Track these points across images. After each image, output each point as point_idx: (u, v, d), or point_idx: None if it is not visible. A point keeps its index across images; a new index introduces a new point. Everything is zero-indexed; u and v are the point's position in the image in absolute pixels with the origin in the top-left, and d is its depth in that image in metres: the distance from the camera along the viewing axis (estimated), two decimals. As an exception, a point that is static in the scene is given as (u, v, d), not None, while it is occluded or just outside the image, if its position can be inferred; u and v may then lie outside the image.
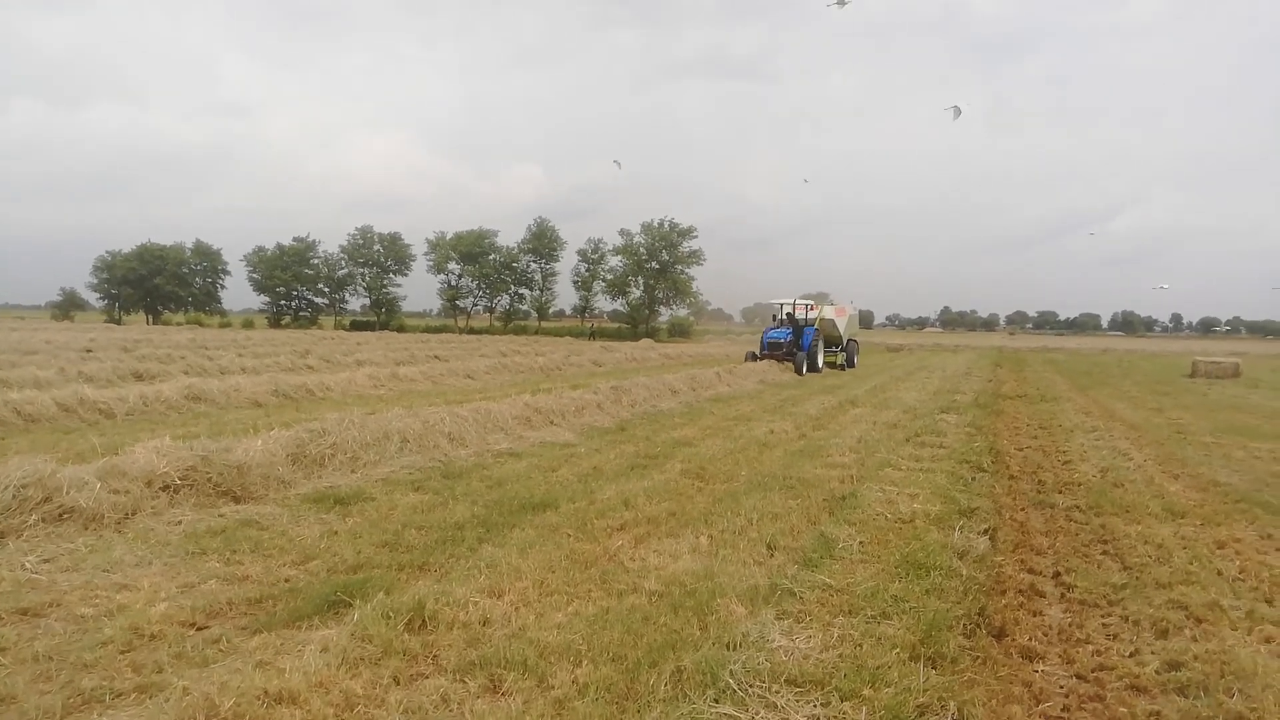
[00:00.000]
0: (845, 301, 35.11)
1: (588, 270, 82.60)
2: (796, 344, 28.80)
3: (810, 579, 5.68)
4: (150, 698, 3.86)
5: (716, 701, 3.84)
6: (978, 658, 4.61)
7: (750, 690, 3.95)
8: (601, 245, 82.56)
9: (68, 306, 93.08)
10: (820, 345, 30.19)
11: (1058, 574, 6.19)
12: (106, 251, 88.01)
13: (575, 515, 7.44)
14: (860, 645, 4.60)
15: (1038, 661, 4.67)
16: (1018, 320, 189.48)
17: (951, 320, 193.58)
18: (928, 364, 37.85)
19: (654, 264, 79.26)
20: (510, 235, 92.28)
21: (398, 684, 4.06)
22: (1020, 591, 5.76)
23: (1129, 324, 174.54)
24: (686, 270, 79.64)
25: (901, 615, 5.08)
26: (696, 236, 79.64)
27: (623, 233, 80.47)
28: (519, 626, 4.80)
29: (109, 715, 3.71)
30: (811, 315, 31.54)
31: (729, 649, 4.41)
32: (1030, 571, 6.24)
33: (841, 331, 32.58)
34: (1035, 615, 5.37)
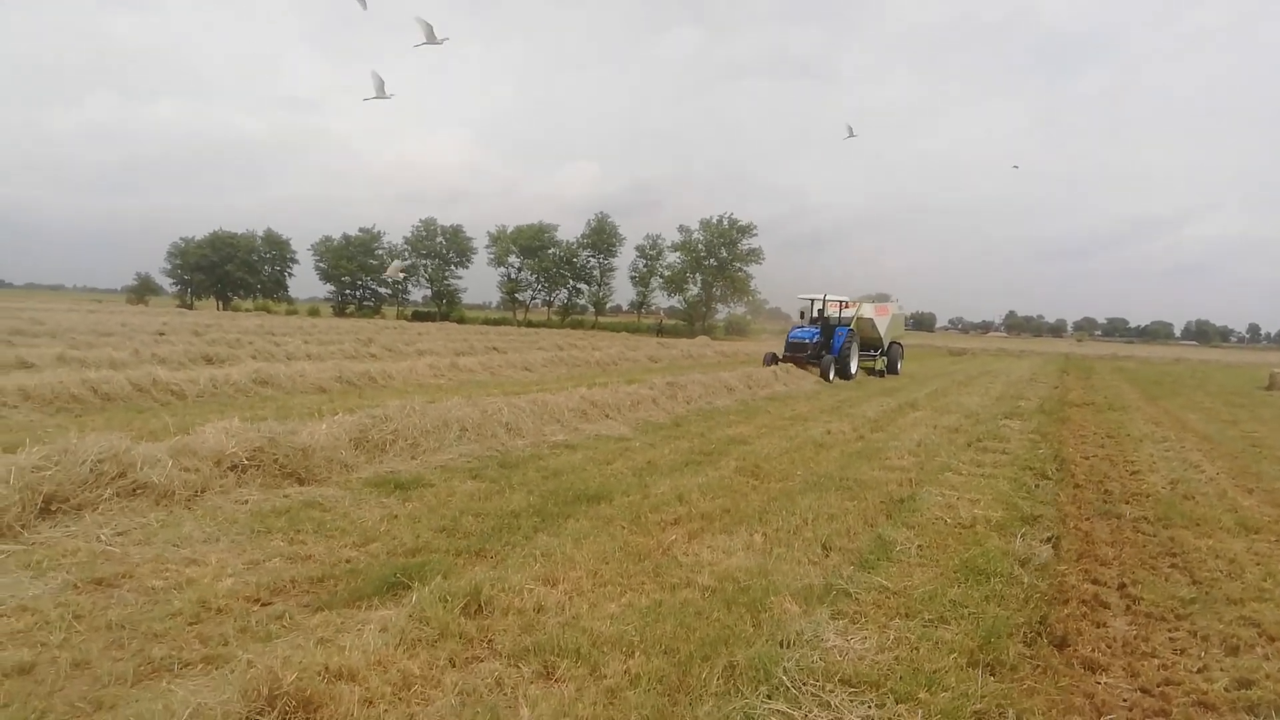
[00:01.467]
0: (892, 299, 31.25)
1: (645, 266, 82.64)
2: (826, 345, 25.18)
3: (866, 580, 5.62)
4: (216, 669, 3.98)
5: (769, 698, 3.82)
6: (1038, 666, 4.52)
7: (804, 688, 3.93)
8: (660, 242, 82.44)
9: (142, 291, 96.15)
10: (855, 348, 26.07)
11: (1123, 585, 6.02)
12: (180, 238, 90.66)
13: (629, 508, 7.47)
14: (917, 649, 4.54)
15: (1100, 673, 4.56)
16: (1085, 326, 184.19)
17: (1016, 325, 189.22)
18: (991, 369, 37.06)
19: (712, 261, 78.91)
20: (568, 230, 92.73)
21: (454, 666, 4.12)
22: (1083, 602, 5.62)
23: (1203, 333, 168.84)
24: (745, 268, 79.14)
25: (960, 620, 5.00)
26: (756, 234, 79.06)
27: (681, 229, 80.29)
28: (572, 615, 4.83)
29: (177, 684, 3.83)
30: (846, 314, 27.61)
31: (782, 646, 4.39)
32: (1094, 582, 6.08)
33: (882, 333, 28.71)
34: (1099, 626, 5.24)
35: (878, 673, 4.17)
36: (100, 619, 4.58)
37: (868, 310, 28.58)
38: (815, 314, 26.79)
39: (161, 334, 27.33)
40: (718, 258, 79.01)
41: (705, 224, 79.38)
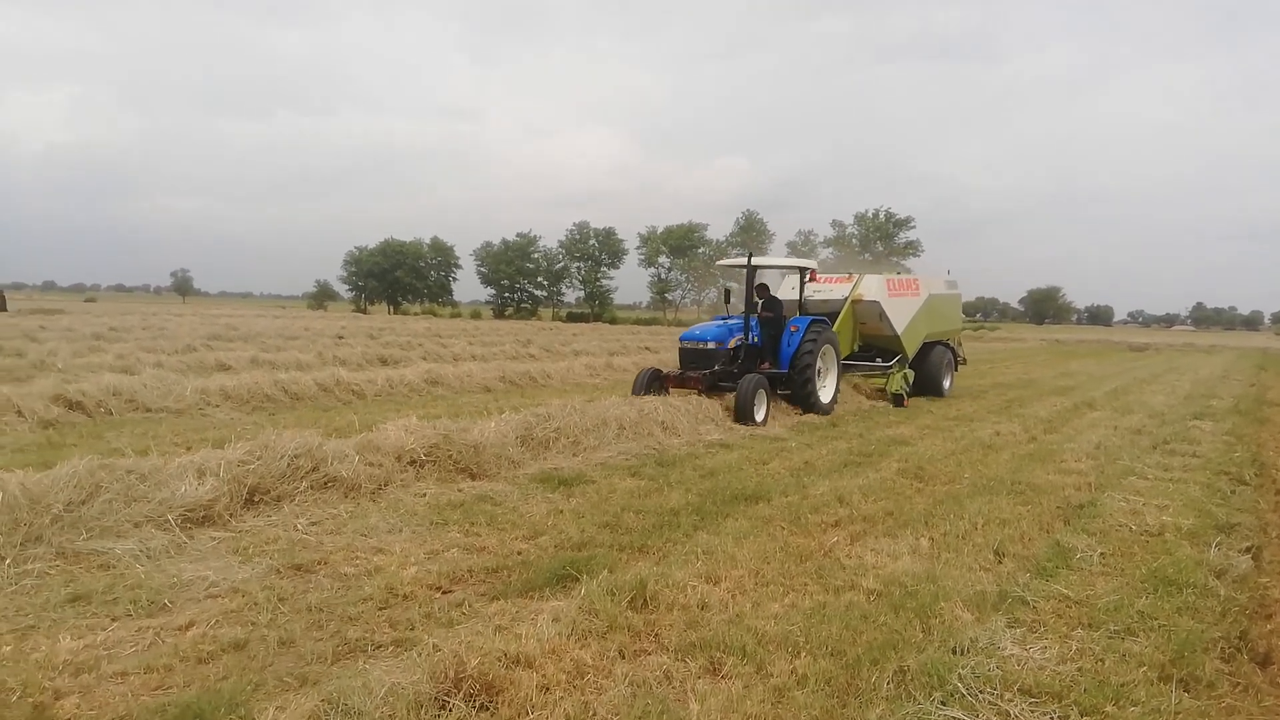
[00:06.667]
0: (928, 274, 19.51)
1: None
2: (764, 352, 14.28)
3: (1044, 588, 5.37)
4: (405, 651, 4.25)
5: (944, 704, 3.73)
6: (1238, 684, 4.19)
7: (980, 696, 3.81)
8: (812, 237, 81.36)
9: (321, 297, 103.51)
10: (833, 356, 14.78)
11: (1340, 603, 5.48)
12: (355, 247, 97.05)
13: (788, 509, 7.43)
14: (1102, 660, 4.30)
15: (1313, 696, 4.17)
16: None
17: (1205, 318, 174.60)
18: (1177, 365, 34.32)
19: (867, 256, 77.08)
20: (718, 229, 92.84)
21: (623, 657, 4.24)
22: (1292, 619, 5.15)
23: None
24: (902, 262, 76.82)
25: (1149, 633, 4.70)
26: (914, 227, 76.61)
27: (834, 224, 78.95)
28: (736, 613, 4.87)
29: (371, 664, 4.12)
30: (823, 293, 16.74)
31: (955, 653, 4.26)
32: (1305, 598, 5.56)
33: (898, 328, 16.58)
34: (1311, 647, 4.79)
35: (1060, 684, 3.99)
36: (301, 602, 4.99)
37: (871, 288, 16.53)
38: (757, 295, 14.57)
39: (341, 337, 29.30)
40: (873, 252, 77.11)
41: (860, 218, 77.74)
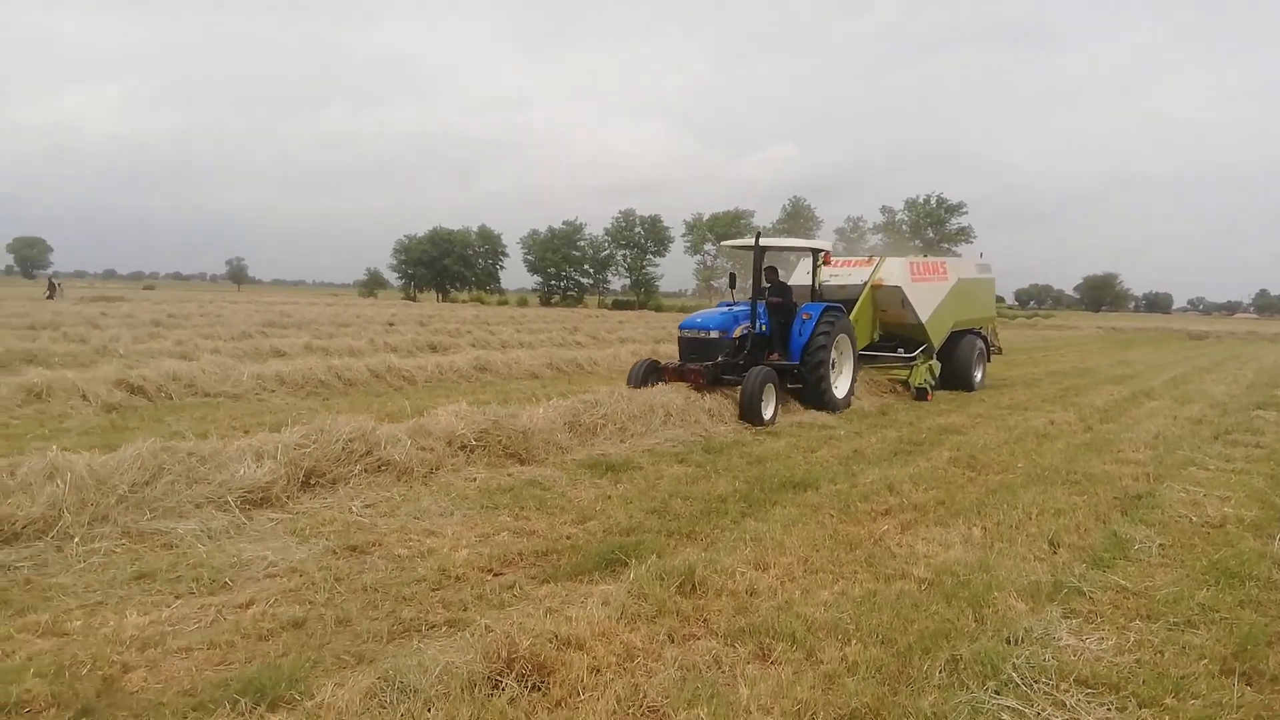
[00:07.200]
0: (958, 256, 18.08)
1: (845, 250, 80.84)
2: (772, 342, 13.08)
3: (1101, 579, 5.27)
4: (458, 632, 4.33)
5: (997, 693, 3.68)
6: (1305, 681, 4.07)
7: (1035, 686, 3.76)
8: (861, 224, 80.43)
9: (372, 285, 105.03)
10: (848, 347, 13.55)
11: None
12: (404, 235, 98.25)
13: (837, 497, 7.38)
14: (1161, 652, 4.22)
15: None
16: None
17: (1269, 305, 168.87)
18: (1239, 354, 33.31)
19: (917, 242, 75.95)
20: (764, 216, 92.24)
21: (672, 641, 4.27)
22: (1363, 615, 4.99)
23: None
24: (954, 248, 75.61)
25: (1210, 625, 4.59)
26: (966, 212, 75.27)
27: (884, 210, 78.00)
28: (785, 600, 4.86)
29: (426, 643, 4.20)
30: (837, 278, 15.58)
31: (1009, 643, 4.21)
32: (1376, 594, 5.38)
33: (922, 316, 15.28)
34: (1383, 643, 4.64)
35: (1117, 675, 3.92)
36: (357, 582, 5.10)
37: (893, 272, 15.28)
38: (764, 280, 13.34)
39: (391, 324, 29.74)
40: (923, 238, 75.97)
41: (910, 204, 76.66)
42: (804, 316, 12.95)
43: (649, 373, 12.20)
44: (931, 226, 75.20)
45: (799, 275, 15.64)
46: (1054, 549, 6.00)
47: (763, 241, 12.91)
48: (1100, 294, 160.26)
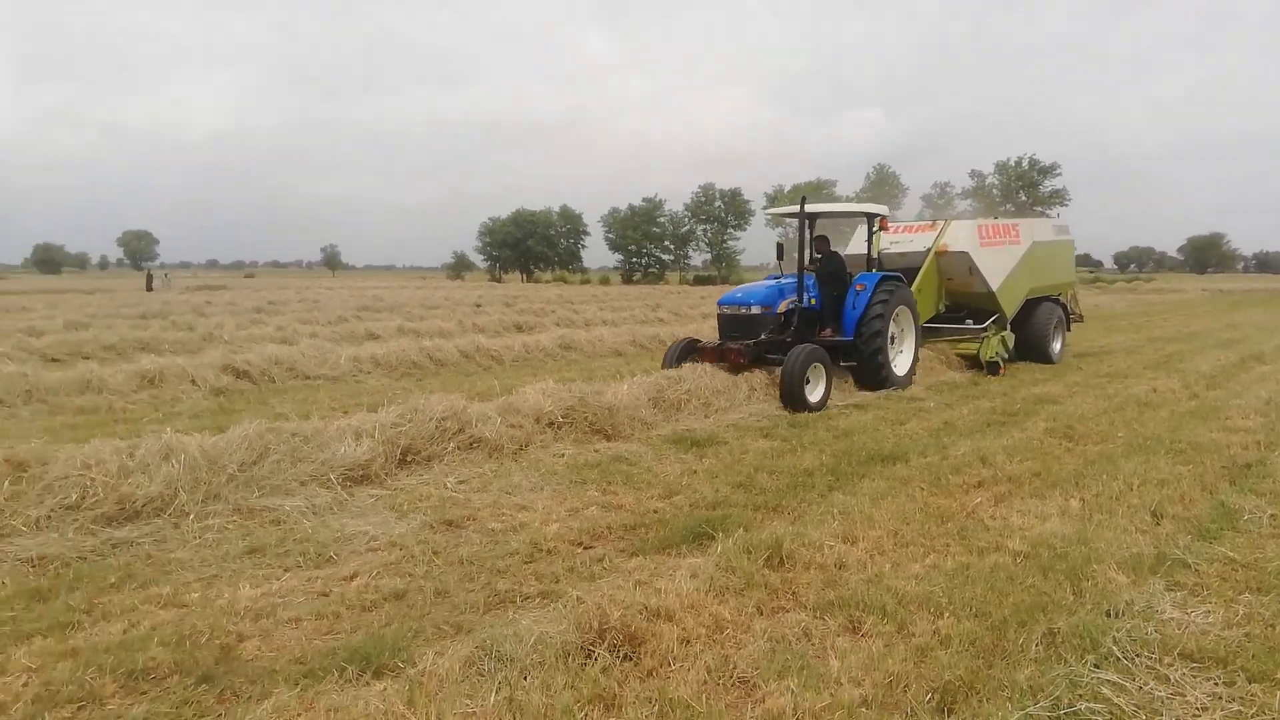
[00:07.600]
0: (1030, 219, 17.27)
1: (931, 217, 78.70)
2: (823, 318, 12.01)
3: (1207, 551, 5.07)
4: (551, 603, 4.44)
5: (1097, 667, 3.59)
6: None
7: (1136, 660, 3.65)
8: (949, 190, 78.05)
9: (459, 267, 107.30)
10: (910, 321, 12.50)
11: None
12: (489, 218, 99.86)
13: (927, 469, 7.26)
14: (1272, 626, 4.04)
15: None
16: None
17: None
18: (1363, 315, 31.25)
19: (1009, 206, 73.28)
20: (847, 186, 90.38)
21: (761, 614, 4.29)
22: None
23: None
24: (1048, 211, 72.74)
25: (1328, 600, 4.38)
26: (1060, 174, 72.21)
27: (973, 174, 75.40)
28: (874, 573, 4.83)
29: (520, 614, 4.33)
30: (898, 245, 14.53)
31: (1109, 616, 4.09)
32: None
33: (992, 284, 13.90)
34: None
35: (1225, 649, 3.77)
36: (453, 555, 5.27)
37: (959, 237, 13.94)
38: (813, 250, 12.53)
39: (478, 305, 30.37)
40: (1015, 202, 73.28)
41: (1001, 166, 73.93)
42: (858, 288, 11.91)
43: (686, 353, 11.40)
44: (1024, 190, 72.36)
45: (856, 244, 14.47)
46: (1157, 520, 5.79)
47: (809, 207, 12.09)
48: (1205, 255, 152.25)
